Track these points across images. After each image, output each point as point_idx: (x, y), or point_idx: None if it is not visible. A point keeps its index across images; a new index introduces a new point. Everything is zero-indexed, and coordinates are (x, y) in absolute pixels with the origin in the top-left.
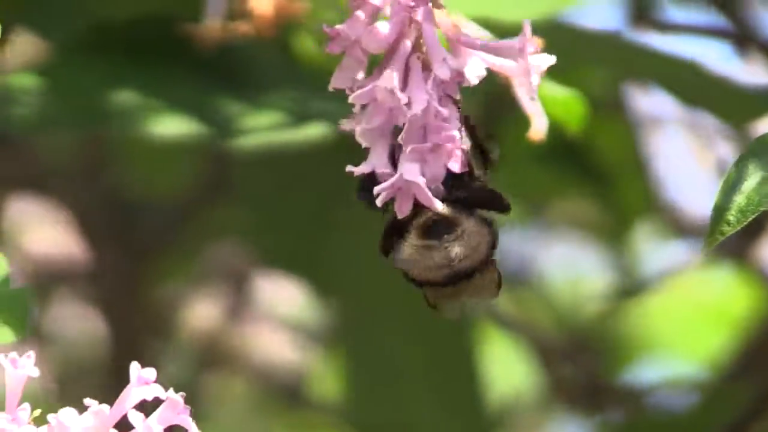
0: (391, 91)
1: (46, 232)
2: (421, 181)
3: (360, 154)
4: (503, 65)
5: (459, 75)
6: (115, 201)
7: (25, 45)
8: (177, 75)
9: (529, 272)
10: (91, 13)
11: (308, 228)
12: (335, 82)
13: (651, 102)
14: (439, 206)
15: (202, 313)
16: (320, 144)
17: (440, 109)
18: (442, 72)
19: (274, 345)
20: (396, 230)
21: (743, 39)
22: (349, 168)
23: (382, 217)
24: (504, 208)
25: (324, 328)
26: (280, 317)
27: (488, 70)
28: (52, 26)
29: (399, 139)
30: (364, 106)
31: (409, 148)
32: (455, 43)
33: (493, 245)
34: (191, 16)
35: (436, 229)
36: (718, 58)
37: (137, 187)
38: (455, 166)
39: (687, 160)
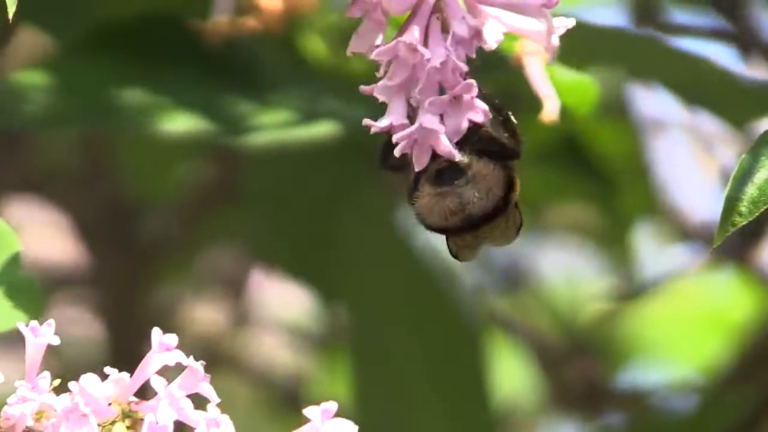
0: (414, 48)
1: (46, 236)
2: (441, 129)
3: (368, 154)
4: (522, 27)
5: (477, 34)
6: (114, 204)
7: (32, 42)
8: (185, 72)
9: (529, 275)
10: (98, 10)
11: (314, 230)
12: (354, 47)
13: (654, 105)
14: (458, 155)
15: (202, 317)
16: (326, 144)
17: (459, 63)
18: (460, 29)
19: (275, 349)
20: (415, 184)
21: (746, 42)
22: (366, 121)
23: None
24: (513, 154)
25: (326, 333)
26: (281, 321)
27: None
28: (59, 23)
29: (417, 92)
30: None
31: (428, 101)
32: (474, 3)
33: (509, 187)
34: (199, 12)
35: (447, 174)
36: (721, 60)
37: (137, 190)
38: (478, 117)
39: (689, 164)
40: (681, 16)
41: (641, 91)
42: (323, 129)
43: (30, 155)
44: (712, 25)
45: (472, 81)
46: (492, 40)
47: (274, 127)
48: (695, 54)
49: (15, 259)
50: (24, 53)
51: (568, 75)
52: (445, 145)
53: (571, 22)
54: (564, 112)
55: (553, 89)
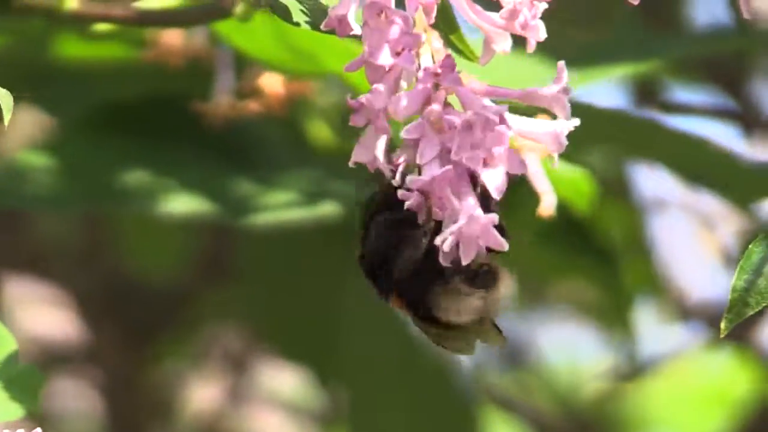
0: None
1: (46, 313)
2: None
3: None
4: (531, 131)
5: None
6: (114, 281)
7: (34, 122)
8: (187, 153)
9: (529, 352)
10: (100, 91)
11: (312, 311)
12: (357, 157)
13: (655, 184)
14: (506, 246)
15: (201, 394)
16: (327, 225)
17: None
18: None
19: (274, 427)
20: (426, 275)
21: (749, 120)
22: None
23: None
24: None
25: (325, 411)
26: (280, 399)
27: None
28: (61, 104)
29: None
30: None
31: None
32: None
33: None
34: (201, 94)
35: (484, 277)
36: (723, 139)
37: (136, 267)
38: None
39: (690, 243)
40: (682, 94)
41: (642, 170)
42: (326, 210)
43: (30, 232)
44: (714, 103)
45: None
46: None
47: (276, 208)
48: (695, 134)
49: (13, 356)
50: (26, 134)
51: (566, 170)
52: (498, 240)
53: (575, 122)
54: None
55: (550, 184)
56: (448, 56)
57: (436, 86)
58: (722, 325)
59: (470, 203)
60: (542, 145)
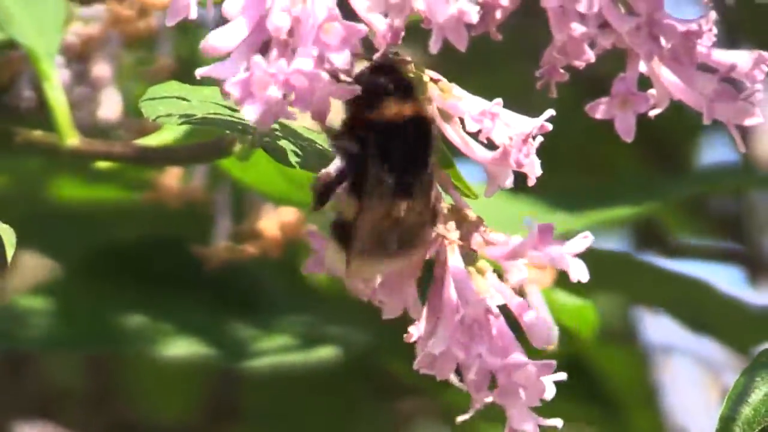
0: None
1: None
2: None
3: (370, 382)
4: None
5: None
6: (122, 425)
7: (34, 265)
8: (186, 296)
9: None
10: (99, 232)
11: None
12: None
13: (661, 329)
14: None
15: None
16: (329, 368)
17: None
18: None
19: None
20: None
21: (753, 263)
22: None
23: None
24: None
25: None
26: None
27: None
28: (60, 246)
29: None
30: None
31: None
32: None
33: None
34: (200, 236)
35: None
36: (727, 282)
37: (144, 410)
38: None
39: (695, 388)
40: (687, 236)
41: (648, 316)
42: (324, 354)
43: (36, 377)
44: (718, 246)
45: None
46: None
47: (275, 351)
48: (699, 279)
49: None
50: (26, 277)
51: (570, 299)
52: None
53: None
54: (568, 335)
55: (552, 316)
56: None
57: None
58: None
59: None
60: (543, 275)
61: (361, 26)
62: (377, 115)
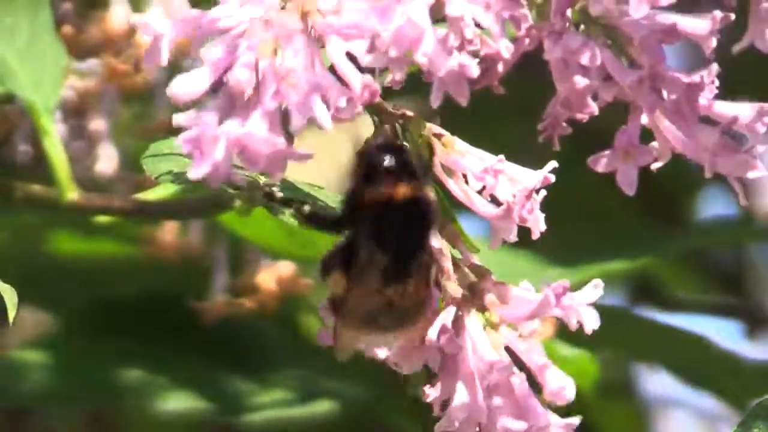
0: None
1: None
2: None
3: None
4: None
5: None
6: None
7: (32, 319)
8: (183, 351)
9: None
10: (97, 287)
11: None
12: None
13: (659, 384)
14: None
15: None
16: (326, 422)
17: None
18: None
19: None
20: None
21: (751, 317)
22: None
23: None
24: None
25: None
26: None
27: None
28: (58, 301)
29: None
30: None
31: None
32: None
33: None
34: (197, 291)
35: None
36: (725, 336)
37: None
38: None
39: None
40: (684, 290)
41: (646, 370)
42: (322, 408)
43: (36, 429)
44: (716, 301)
45: None
46: None
47: (273, 406)
48: (696, 333)
49: None
50: (24, 331)
51: (570, 351)
52: None
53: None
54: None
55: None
56: None
57: None
58: None
59: None
60: (544, 326)
61: (329, 81)
62: (375, 194)
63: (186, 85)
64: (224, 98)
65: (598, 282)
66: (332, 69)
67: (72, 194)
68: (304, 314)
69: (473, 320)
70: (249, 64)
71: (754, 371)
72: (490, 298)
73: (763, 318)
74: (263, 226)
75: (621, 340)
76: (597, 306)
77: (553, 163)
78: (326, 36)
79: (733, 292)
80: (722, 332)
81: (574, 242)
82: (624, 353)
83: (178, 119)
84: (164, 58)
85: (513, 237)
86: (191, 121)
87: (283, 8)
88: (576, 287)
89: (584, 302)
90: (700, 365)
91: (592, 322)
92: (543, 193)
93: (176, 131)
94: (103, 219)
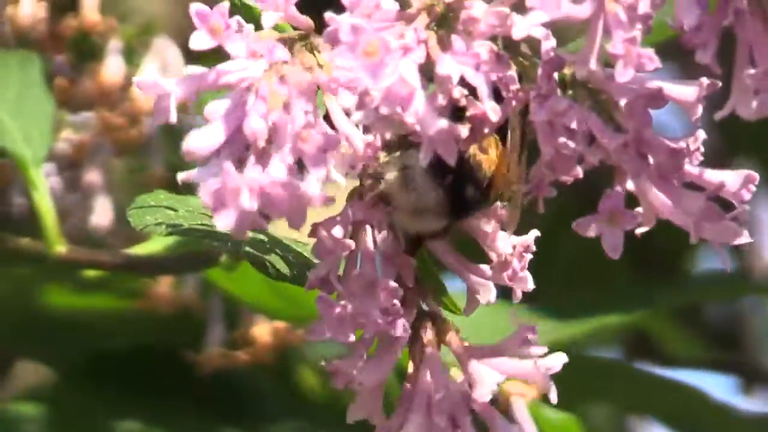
0: None
1: None
2: None
3: None
4: (518, 368)
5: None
6: None
7: (27, 371)
8: (179, 403)
9: None
10: (91, 340)
11: None
12: (353, 415)
13: None
14: None
15: None
16: None
17: None
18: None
19: None
20: None
21: (748, 371)
22: None
23: None
24: None
25: None
26: None
27: None
28: (52, 354)
29: None
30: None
31: None
32: (465, 359)
33: None
34: (192, 344)
35: None
36: (720, 390)
37: None
38: None
39: None
40: (681, 345)
41: (641, 424)
42: None
43: None
44: (711, 356)
45: None
46: (487, 391)
47: None
48: (691, 387)
49: None
50: (19, 384)
51: (555, 414)
52: None
53: (563, 359)
54: None
55: (538, 430)
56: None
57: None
58: None
59: None
60: (530, 388)
61: (337, 138)
62: None
63: (202, 140)
64: (236, 149)
65: (563, 354)
66: (326, 120)
67: (60, 248)
68: (301, 367)
69: (432, 351)
70: (263, 114)
71: (749, 423)
72: (452, 337)
73: (758, 373)
74: (252, 284)
75: (616, 394)
76: (592, 360)
77: (536, 232)
78: (327, 92)
79: (728, 347)
80: (718, 387)
81: (566, 298)
82: (620, 406)
83: (191, 176)
84: (173, 117)
85: (492, 298)
86: (206, 173)
87: (285, 63)
88: (570, 341)
89: (548, 368)
90: (696, 418)
91: (552, 391)
92: (530, 255)
93: (168, 183)
94: (91, 273)
